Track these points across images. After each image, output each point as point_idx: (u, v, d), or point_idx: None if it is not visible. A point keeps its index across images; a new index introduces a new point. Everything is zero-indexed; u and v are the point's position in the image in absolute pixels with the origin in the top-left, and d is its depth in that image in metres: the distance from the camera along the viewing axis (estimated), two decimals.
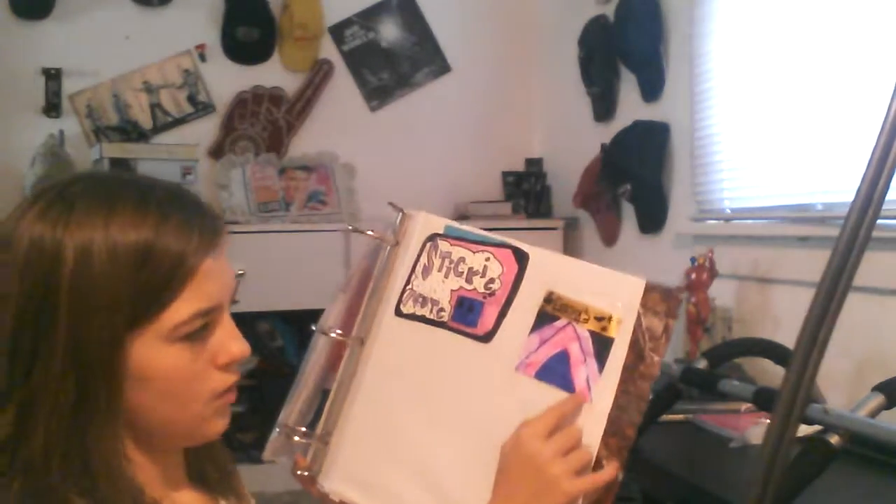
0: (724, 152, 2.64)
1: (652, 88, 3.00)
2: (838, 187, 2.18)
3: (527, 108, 3.94)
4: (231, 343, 0.88)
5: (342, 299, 1.09)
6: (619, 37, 3.11)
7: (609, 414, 0.96)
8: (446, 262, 1.06)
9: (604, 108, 3.31)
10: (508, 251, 1.05)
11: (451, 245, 1.06)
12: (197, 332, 0.85)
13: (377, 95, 3.83)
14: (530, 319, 1.01)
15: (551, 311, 1.01)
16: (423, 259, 1.07)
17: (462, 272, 1.05)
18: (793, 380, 0.66)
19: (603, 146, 3.13)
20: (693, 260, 2.39)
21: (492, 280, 1.04)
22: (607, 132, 3.17)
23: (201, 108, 3.66)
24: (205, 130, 3.64)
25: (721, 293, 2.43)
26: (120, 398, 0.83)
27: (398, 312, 1.07)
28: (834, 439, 1.22)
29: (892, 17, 2.00)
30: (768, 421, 1.82)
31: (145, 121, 3.59)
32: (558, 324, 1.00)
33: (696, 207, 2.78)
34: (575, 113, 3.50)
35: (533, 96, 3.92)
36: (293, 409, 1.06)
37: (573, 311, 1.00)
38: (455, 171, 3.83)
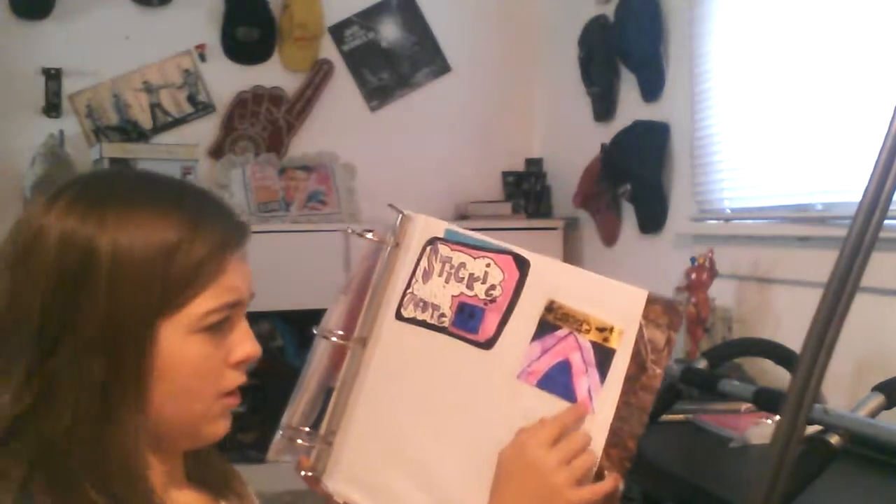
0: (724, 152, 2.64)
1: (652, 88, 3.00)
2: (838, 187, 2.18)
3: (527, 108, 3.94)
4: (246, 342, 0.91)
5: (343, 301, 1.09)
6: (619, 37, 3.11)
7: (611, 425, 0.96)
8: (447, 267, 1.06)
9: (604, 108, 3.31)
10: (509, 258, 1.04)
11: (452, 250, 1.06)
12: (219, 325, 0.88)
13: (377, 95, 3.83)
14: (531, 328, 1.01)
15: (553, 320, 1.00)
16: (424, 263, 1.07)
17: (463, 278, 1.05)
18: (800, 382, 0.66)
19: (603, 146, 3.13)
20: (693, 260, 2.39)
21: (493, 287, 1.03)
22: (607, 132, 3.17)
23: (201, 108, 3.66)
24: (205, 130, 3.64)
25: (721, 293, 2.43)
26: (148, 383, 0.84)
27: (399, 316, 1.06)
28: (834, 439, 1.22)
29: (892, 16, 2.00)
30: (768, 421, 1.82)
31: (145, 121, 3.59)
32: (560, 333, 1.00)
33: (696, 207, 2.78)
34: (575, 113, 3.50)
35: (533, 96, 3.93)
36: (296, 410, 1.06)
37: (575, 321, 0.99)
38: (455, 171, 3.83)
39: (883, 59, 2.02)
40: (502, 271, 1.04)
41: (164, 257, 0.84)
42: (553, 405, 0.98)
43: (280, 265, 3.14)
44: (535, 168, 3.84)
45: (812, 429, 1.27)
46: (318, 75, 3.74)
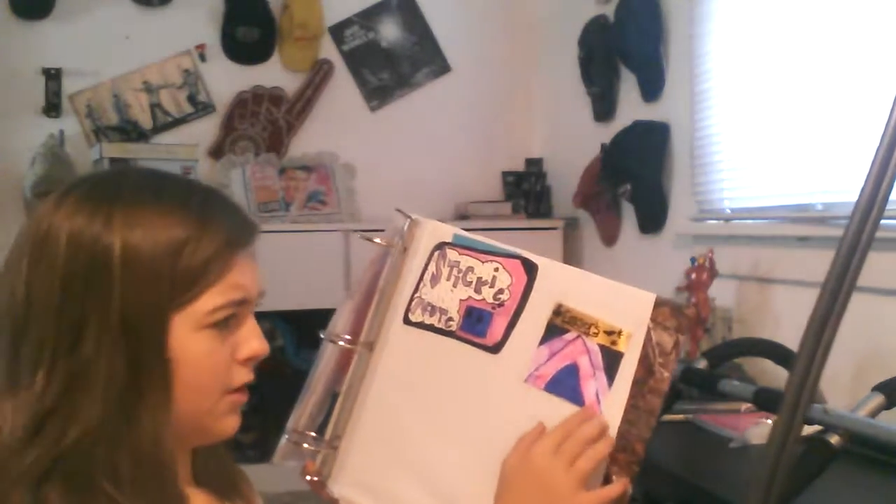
0: (724, 152, 2.64)
1: (652, 88, 3.00)
2: (838, 187, 2.18)
3: (527, 108, 3.94)
4: (253, 340, 0.91)
5: (350, 305, 1.09)
6: (619, 37, 3.12)
7: (618, 429, 0.96)
8: (454, 272, 1.06)
9: (604, 108, 3.31)
10: (517, 262, 1.04)
11: (460, 254, 1.06)
12: (225, 322, 0.88)
13: (377, 95, 3.83)
14: (539, 331, 1.01)
15: (560, 324, 1.00)
16: (432, 267, 1.07)
17: (471, 282, 1.05)
18: (797, 381, 0.66)
19: (603, 146, 3.13)
20: (693, 260, 2.39)
21: (501, 290, 1.03)
22: (607, 132, 3.17)
23: (201, 108, 3.66)
24: (205, 130, 3.65)
25: (721, 293, 2.43)
26: (171, 378, 0.85)
27: (406, 320, 1.06)
28: (834, 439, 1.22)
29: (891, 16, 2.00)
30: (768, 421, 1.82)
31: (145, 121, 3.59)
32: (568, 336, 1.00)
33: (696, 207, 2.78)
34: (575, 113, 3.50)
35: (533, 96, 3.93)
36: (302, 413, 1.06)
37: (582, 324, 0.99)
38: (455, 171, 3.83)
39: (882, 58, 2.02)
40: (510, 275, 1.04)
41: (172, 255, 0.85)
42: (561, 409, 0.98)
43: (280, 265, 3.14)
44: (535, 168, 3.84)
45: (812, 429, 1.27)
46: (318, 75, 3.74)
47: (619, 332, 0.98)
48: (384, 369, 1.06)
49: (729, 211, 2.66)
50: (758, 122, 2.48)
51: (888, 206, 0.71)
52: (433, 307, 1.05)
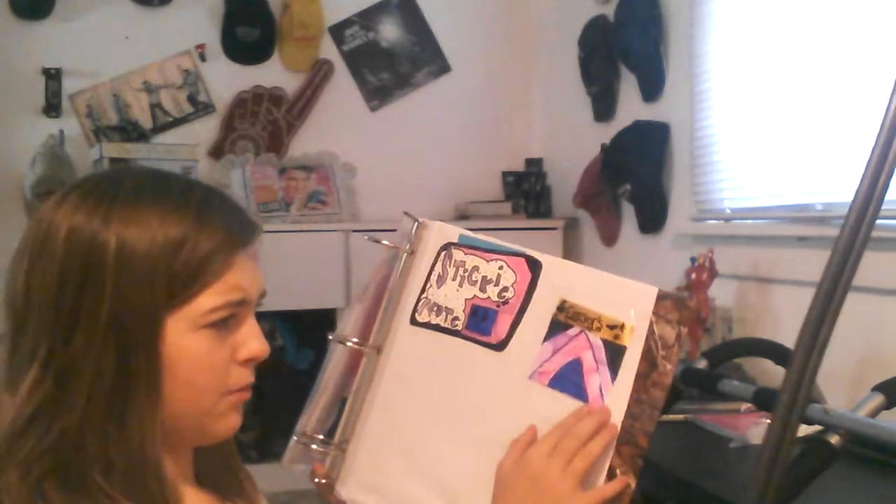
0: (724, 152, 2.64)
1: (652, 88, 3.00)
2: (838, 187, 2.18)
3: (527, 108, 3.94)
4: (253, 341, 0.91)
5: (359, 308, 1.10)
6: (619, 37, 3.12)
7: (622, 423, 0.96)
8: (460, 271, 1.06)
9: (604, 108, 3.31)
10: (521, 259, 1.05)
11: (465, 254, 1.07)
12: (223, 322, 0.88)
13: (377, 95, 3.83)
14: (543, 328, 1.01)
15: (564, 320, 1.01)
16: (438, 268, 1.08)
17: (476, 281, 1.05)
18: (793, 380, 0.66)
19: (603, 146, 3.13)
20: (693, 260, 2.39)
21: (505, 288, 1.04)
22: (607, 132, 3.17)
23: (201, 108, 3.66)
24: (205, 130, 3.65)
25: (721, 293, 2.43)
26: (160, 378, 0.85)
27: (413, 321, 1.07)
28: (834, 439, 1.22)
29: (891, 16, 2.00)
30: (768, 421, 1.81)
31: (145, 121, 3.59)
32: (571, 332, 1.00)
33: (696, 207, 2.78)
34: (575, 113, 3.50)
35: (533, 96, 3.93)
36: (311, 416, 1.07)
37: (586, 320, 1.00)
38: (455, 171, 3.83)
39: (882, 58, 2.02)
40: (514, 273, 1.04)
41: (169, 253, 0.85)
42: (565, 405, 0.98)
43: (280, 265, 3.14)
44: (535, 168, 3.84)
45: (812, 429, 1.27)
46: (318, 75, 3.74)
47: (622, 326, 0.98)
48: (391, 371, 1.07)
49: (729, 211, 2.66)
50: (758, 122, 2.48)
51: (885, 206, 0.71)
52: (439, 307, 1.06)
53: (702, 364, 1.72)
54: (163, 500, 0.85)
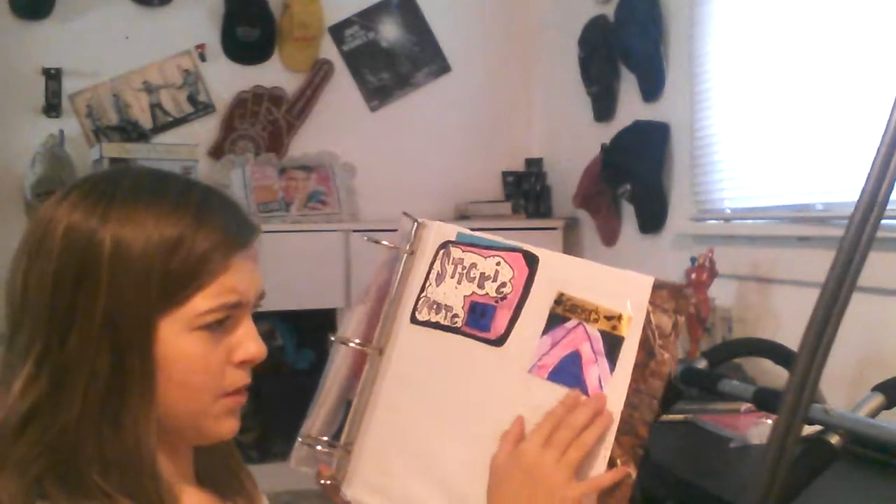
0: (724, 152, 2.64)
1: (652, 88, 3.00)
2: (838, 187, 2.18)
3: (527, 108, 3.94)
4: (250, 343, 0.90)
5: (361, 310, 1.10)
6: (619, 37, 3.12)
7: (621, 413, 0.96)
8: (459, 269, 1.07)
9: (604, 108, 3.31)
10: (519, 255, 1.05)
11: (464, 251, 1.07)
12: (219, 324, 0.87)
13: (377, 95, 3.83)
14: (542, 321, 1.02)
15: (562, 313, 1.01)
16: (437, 266, 1.08)
17: (474, 277, 1.06)
18: (797, 381, 0.66)
19: (603, 146, 3.13)
20: (693, 260, 2.39)
21: (503, 284, 1.04)
22: (607, 132, 3.17)
23: (201, 108, 3.66)
24: (205, 130, 3.65)
25: (721, 293, 2.43)
26: (154, 379, 0.85)
27: (413, 320, 1.08)
28: (834, 439, 1.22)
29: (891, 16, 2.00)
30: (768, 421, 1.82)
31: (145, 121, 3.59)
32: (569, 324, 1.00)
33: (696, 207, 2.78)
34: (575, 113, 3.50)
35: (533, 96, 3.93)
36: (316, 418, 1.07)
37: (583, 312, 1.00)
38: (455, 171, 3.83)
39: (882, 58, 2.02)
40: (512, 268, 1.05)
41: (164, 253, 0.84)
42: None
43: (280, 265, 3.14)
44: (535, 168, 3.84)
45: (812, 429, 1.27)
46: (318, 75, 3.74)
47: (620, 317, 0.99)
48: (393, 370, 1.07)
49: (729, 211, 2.66)
50: (758, 122, 2.48)
51: (889, 206, 0.71)
52: (439, 305, 1.06)
53: (702, 364, 1.72)
54: (158, 500, 0.85)
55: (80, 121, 3.52)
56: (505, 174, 3.85)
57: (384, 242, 1.10)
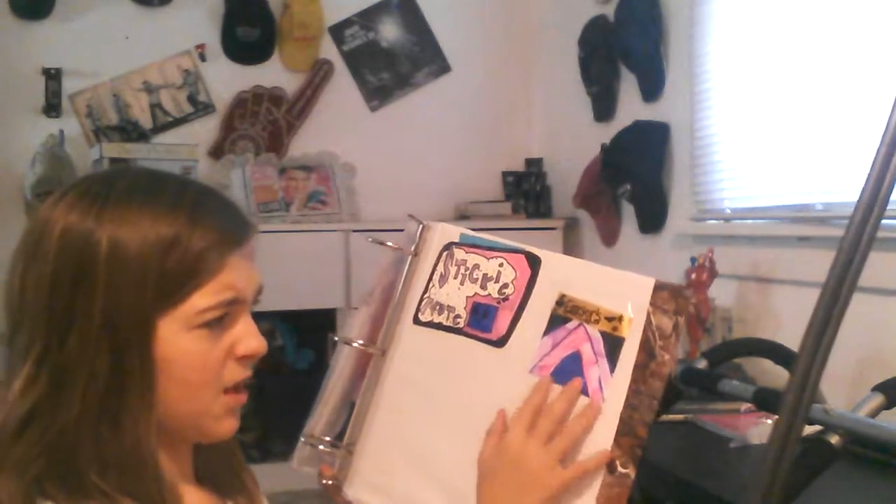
0: (724, 152, 2.64)
1: (652, 88, 3.00)
2: (838, 187, 2.18)
3: (527, 108, 3.94)
4: (250, 338, 0.90)
5: (365, 311, 1.10)
6: (619, 37, 3.12)
7: (621, 413, 0.97)
8: (462, 270, 1.07)
9: (604, 108, 3.31)
10: (521, 256, 1.06)
11: (467, 252, 1.08)
12: (217, 322, 0.88)
13: (377, 95, 3.83)
14: (543, 322, 1.02)
15: (563, 314, 1.01)
16: (440, 267, 1.09)
17: (477, 279, 1.06)
18: (798, 382, 0.66)
19: (603, 146, 3.13)
20: (693, 260, 2.39)
21: (505, 285, 1.05)
22: (607, 132, 3.17)
23: (201, 108, 3.66)
24: (205, 130, 3.65)
25: (721, 293, 2.43)
26: (153, 378, 0.85)
27: (416, 321, 1.08)
28: (834, 439, 1.22)
29: (891, 16, 2.00)
30: (768, 421, 1.82)
31: (145, 121, 3.59)
32: (570, 325, 1.01)
33: (696, 207, 2.78)
34: (575, 113, 3.50)
35: (533, 96, 3.93)
36: (319, 418, 1.07)
37: (584, 313, 1.01)
38: (455, 171, 3.83)
39: (882, 58, 2.02)
40: (514, 270, 1.05)
41: (160, 253, 0.85)
42: None
43: (280, 265, 3.14)
44: (535, 168, 3.84)
45: (812, 429, 1.27)
46: (318, 75, 3.74)
47: (620, 318, 0.99)
48: (396, 371, 1.08)
49: (729, 211, 2.66)
50: (758, 122, 2.48)
51: (889, 206, 0.71)
52: (441, 306, 1.07)
53: (702, 364, 1.72)
54: (160, 499, 0.85)
55: (80, 121, 3.52)
56: (505, 174, 3.86)
57: (389, 244, 1.10)
